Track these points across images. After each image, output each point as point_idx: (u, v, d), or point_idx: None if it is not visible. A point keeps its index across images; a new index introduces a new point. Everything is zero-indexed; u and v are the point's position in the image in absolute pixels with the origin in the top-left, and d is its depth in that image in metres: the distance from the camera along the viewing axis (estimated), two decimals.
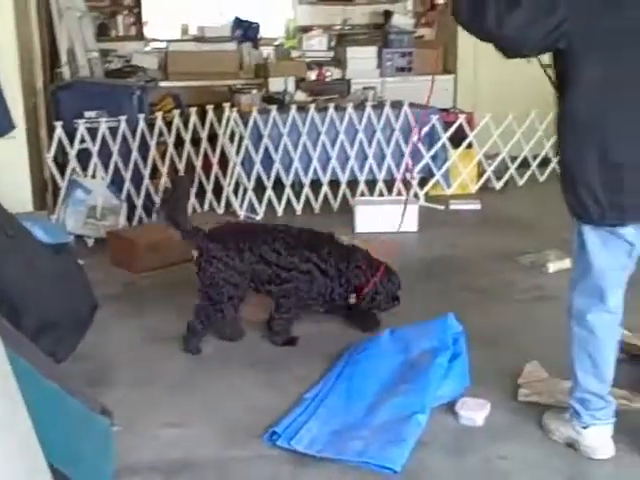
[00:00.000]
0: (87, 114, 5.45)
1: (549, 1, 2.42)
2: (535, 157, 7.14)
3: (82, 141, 5.35)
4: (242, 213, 5.92)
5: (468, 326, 3.71)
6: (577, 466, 2.71)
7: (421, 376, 3.08)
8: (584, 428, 2.74)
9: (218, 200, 5.95)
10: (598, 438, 2.74)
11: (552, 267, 4.79)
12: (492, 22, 2.43)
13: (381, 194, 6.36)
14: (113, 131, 5.44)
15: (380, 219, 5.65)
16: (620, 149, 2.46)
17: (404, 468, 2.69)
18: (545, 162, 7.27)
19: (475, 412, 2.98)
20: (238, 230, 3.93)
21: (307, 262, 3.65)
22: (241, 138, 5.93)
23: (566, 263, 4.83)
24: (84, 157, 5.38)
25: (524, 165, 7.13)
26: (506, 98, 7.42)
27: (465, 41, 8.02)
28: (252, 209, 5.92)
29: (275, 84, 6.79)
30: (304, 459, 2.77)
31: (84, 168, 5.38)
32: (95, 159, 5.38)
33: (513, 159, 7.05)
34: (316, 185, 6.14)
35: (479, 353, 3.50)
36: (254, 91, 6.57)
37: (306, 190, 6.10)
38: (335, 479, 2.69)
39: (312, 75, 7.37)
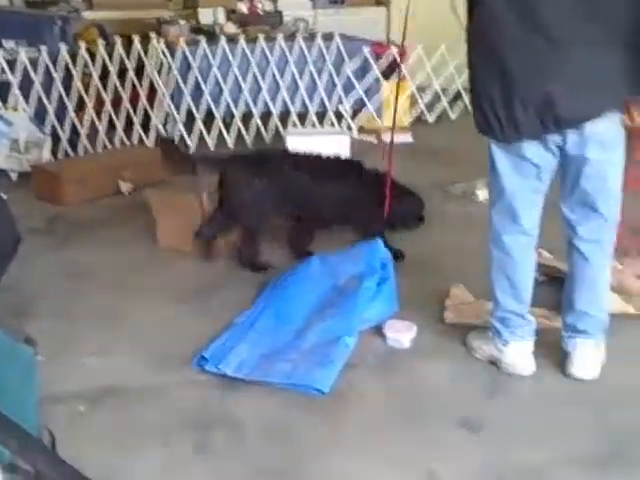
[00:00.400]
0: (5, 44, 5.23)
1: None
2: (467, 90, 7.15)
3: (2, 72, 5.14)
4: None
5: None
6: (499, 382, 2.77)
7: (349, 300, 3.10)
8: (504, 345, 2.82)
9: (147, 133, 5.81)
10: (518, 355, 2.82)
11: (481, 195, 4.83)
12: None
13: (313, 125, 6.31)
14: (34, 62, 5.23)
15: (312, 150, 5.60)
16: (514, 65, 2.51)
17: (332, 389, 2.71)
18: None
19: (402, 334, 3.02)
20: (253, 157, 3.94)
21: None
22: (169, 70, 5.78)
23: None
24: (4, 89, 5.18)
25: (458, 98, 7.15)
26: (439, 30, 7.37)
27: None
28: (183, 142, 5.81)
29: (205, 15, 6.62)
30: (233, 383, 2.77)
31: (4, 101, 5.18)
32: (16, 91, 5.18)
33: (445, 91, 7.06)
34: (248, 117, 6.04)
35: (408, 278, 3.54)
36: (182, 22, 6.39)
37: (237, 122, 6.00)
38: (263, 401, 2.70)
39: (243, 7, 7.18)
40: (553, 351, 2.87)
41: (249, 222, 3.65)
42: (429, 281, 3.58)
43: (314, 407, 2.64)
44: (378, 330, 3.09)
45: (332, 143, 5.61)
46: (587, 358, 2.79)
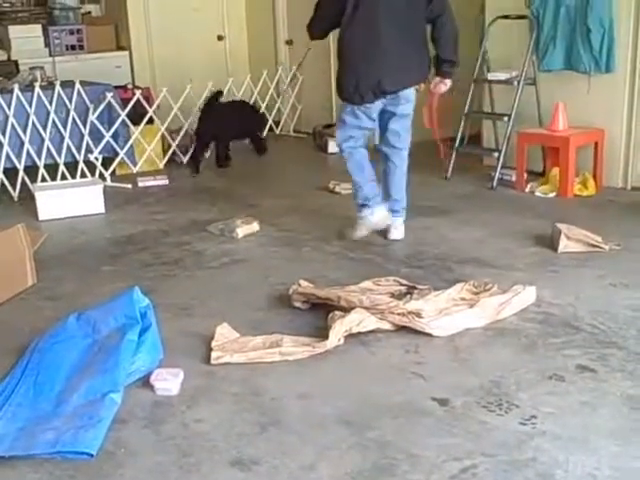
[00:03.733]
0: None
1: None
2: None
3: None
4: None
5: (160, 298, 3.74)
6: (270, 416, 2.81)
7: (112, 355, 3.00)
8: (369, 212, 4.57)
9: None
10: (378, 216, 4.59)
11: (241, 232, 4.92)
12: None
13: (64, 177, 6.10)
14: None
15: (64, 204, 5.42)
16: (361, 68, 4.36)
17: (101, 449, 2.60)
18: None
19: (169, 382, 2.98)
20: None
21: None
22: None
23: (254, 227, 5.02)
24: None
25: None
26: (182, 72, 7.46)
27: (137, 18, 7.94)
28: None
29: None
30: None
31: None
32: None
33: None
34: None
35: (172, 323, 3.53)
36: None
37: None
38: (28, 477, 2.53)
39: None
40: None
41: (202, 138, 6.77)
42: (193, 324, 3.58)
43: (85, 472, 2.53)
44: (146, 381, 3.03)
45: (84, 194, 5.48)
46: (398, 227, 4.71)
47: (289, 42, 8.43)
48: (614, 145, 5.63)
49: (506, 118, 5.87)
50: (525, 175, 5.77)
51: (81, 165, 6.20)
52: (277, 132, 8.13)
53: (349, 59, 4.40)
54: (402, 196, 4.72)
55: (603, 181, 5.68)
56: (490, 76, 6.11)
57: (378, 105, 4.45)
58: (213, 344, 3.28)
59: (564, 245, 4.33)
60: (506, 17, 5.90)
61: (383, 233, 4.70)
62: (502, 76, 5.97)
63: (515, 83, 5.83)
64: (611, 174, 5.70)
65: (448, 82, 4.55)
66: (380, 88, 4.35)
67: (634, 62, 5.47)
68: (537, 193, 5.63)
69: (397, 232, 4.71)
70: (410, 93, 4.47)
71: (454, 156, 6.12)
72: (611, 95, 5.58)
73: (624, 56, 5.48)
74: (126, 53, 7.95)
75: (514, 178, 5.82)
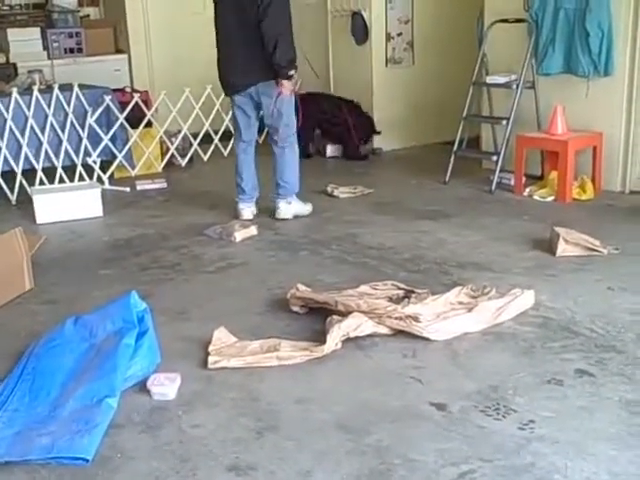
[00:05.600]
0: None
1: None
2: (216, 132, 7.27)
3: None
4: None
5: (157, 302, 3.73)
6: (266, 421, 2.81)
7: (108, 360, 2.99)
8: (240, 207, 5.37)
9: None
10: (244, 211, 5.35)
11: (239, 236, 4.91)
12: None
13: (62, 181, 6.09)
14: None
15: (62, 207, 5.41)
16: (225, 67, 5.12)
17: (97, 454, 2.60)
18: (228, 136, 7.44)
19: (166, 386, 2.97)
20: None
21: None
22: None
23: (252, 230, 5.01)
24: None
25: (208, 141, 7.24)
26: (181, 76, 7.46)
27: (135, 21, 7.93)
28: None
29: None
30: None
31: None
32: None
33: (195, 135, 7.13)
34: None
35: (169, 327, 3.52)
36: None
37: None
38: None
39: None
40: None
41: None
42: (191, 328, 3.57)
43: (82, 478, 2.51)
44: (143, 386, 3.02)
45: (82, 198, 5.47)
46: (282, 208, 5.28)
47: None
48: (613, 149, 5.63)
49: (505, 121, 5.86)
50: (524, 179, 5.77)
51: (79, 168, 6.19)
52: None
53: (218, 59, 5.15)
54: (286, 180, 5.24)
55: (602, 185, 5.67)
56: (489, 79, 6.11)
57: (241, 100, 5.13)
58: (210, 348, 3.27)
59: (562, 249, 4.33)
60: (505, 21, 5.90)
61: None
62: (501, 79, 5.97)
63: (514, 86, 5.83)
64: (610, 178, 5.69)
65: (285, 83, 4.90)
66: (231, 84, 5.13)
67: (632, 66, 5.47)
68: (535, 197, 5.62)
69: (285, 213, 5.31)
70: (267, 86, 4.96)
71: (453, 159, 6.12)
72: (610, 99, 5.57)
73: (623, 60, 5.48)
74: (125, 56, 7.94)
75: (513, 182, 5.82)
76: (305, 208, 5.39)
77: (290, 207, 5.30)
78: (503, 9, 5.98)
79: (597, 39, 5.46)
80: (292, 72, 4.89)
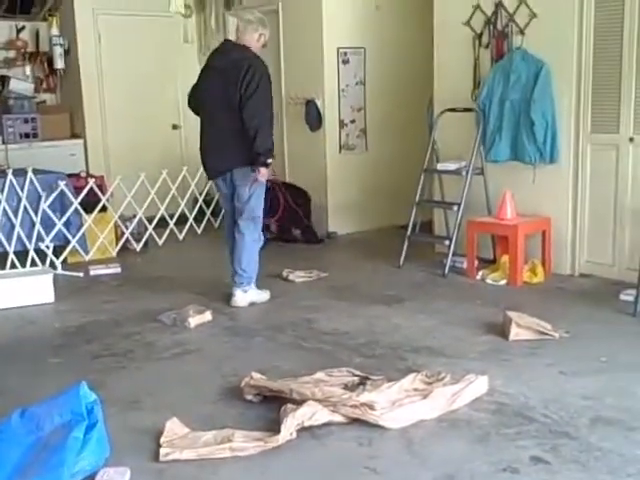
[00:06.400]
0: None
1: None
2: (172, 216, 7.29)
3: None
4: None
5: (109, 392, 3.65)
6: None
7: (56, 454, 2.89)
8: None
9: None
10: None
11: (193, 322, 4.87)
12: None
13: (13, 266, 6.01)
14: None
15: (13, 293, 5.33)
16: (205, 153, 5.25)
17: None
18: (183, 220, 7.46)
19: None
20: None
21: None
22: None
23: (206, 316, 4.97)
24: None
25: (163, 225, 7.24)
26: (137, 160, 7.51)
27: (91, 107, 8.01)
28: None
29: None
30: None
31: None
32: None
33: (150, 219, 7.12)
34: None
35: (120, 418, 3.44)
36: None
37: None
38: None
39: None
40: None
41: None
42: (142, 418, 3.49)
43: None
44: None
45: (33, 284, 5.40)
46: (238, 296, 5.25)
47: None
48: (561, 233, 5.77)
49: (456, 207, 5.99)
50: (476, 262, 5.86)
51: (32, 253, 6.12)
52: None
53: (201, 150, 5.27)
54: (242, 268, 5.21)
55: (552, 268, 5.79)
56: (440, 166, 6.26)
57: (220, 184, 5.28)
58: (162, 440, 3.19)
59: (515, 333, 4.37)
60: (453, 110, 6.09)
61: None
62: (451, 166, 6.12)
63: (464, 173, 5.98)
64: (559, 261, 5.81)
65: (262, 170, 5.01)
66: (212, 169, 5.26)
67: (577, 153, 5.66)
68: (488, 280, 5.70)
69: (239, 301, 5.27)
70: (243, 172, 5.08)
71: (407, 244, 6.20)
72: (556, 185, 5.75)
73: (567, 147, 5.68)
74: (81, 141, 7.98)
75: (465, 265, 5.91)
76: (262, 296, 5.35)
77: (246, 295, 5.26)
78: (452, 98, 6.20)
79: (542, 128, 5.66)
80: (269, 160, 4.99)
